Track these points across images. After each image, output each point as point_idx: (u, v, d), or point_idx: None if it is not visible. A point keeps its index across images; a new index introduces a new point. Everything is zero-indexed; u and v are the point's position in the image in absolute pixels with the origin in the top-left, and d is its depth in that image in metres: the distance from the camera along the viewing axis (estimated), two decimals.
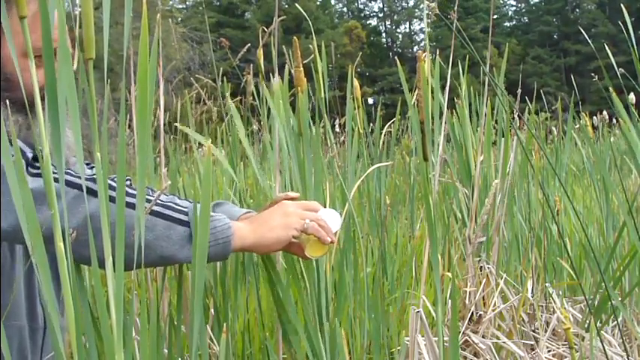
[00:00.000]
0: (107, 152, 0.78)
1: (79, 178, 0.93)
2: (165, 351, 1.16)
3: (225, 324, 1.23)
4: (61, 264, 0.69)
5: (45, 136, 0.66)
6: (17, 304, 1.12)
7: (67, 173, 0.94)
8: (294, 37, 1.34)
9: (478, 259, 1.82)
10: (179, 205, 0.96)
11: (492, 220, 1.82)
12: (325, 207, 1.12)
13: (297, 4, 2.13)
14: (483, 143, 1.90)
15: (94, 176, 0.91)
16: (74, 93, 0.68)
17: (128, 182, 1.33)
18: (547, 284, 1.92)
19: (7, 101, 0.90)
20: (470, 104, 2.01)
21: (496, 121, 2.18)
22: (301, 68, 1.28)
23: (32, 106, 1.01)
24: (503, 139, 1.95)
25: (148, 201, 0.92)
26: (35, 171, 0.92)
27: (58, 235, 0.69)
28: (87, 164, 1.31)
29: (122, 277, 0.74)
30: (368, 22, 42.43)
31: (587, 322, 1.68)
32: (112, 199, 0.78)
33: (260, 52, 1.98)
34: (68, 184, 0.93)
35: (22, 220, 0.67)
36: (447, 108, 1.69)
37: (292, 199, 1.15)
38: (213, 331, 1.47)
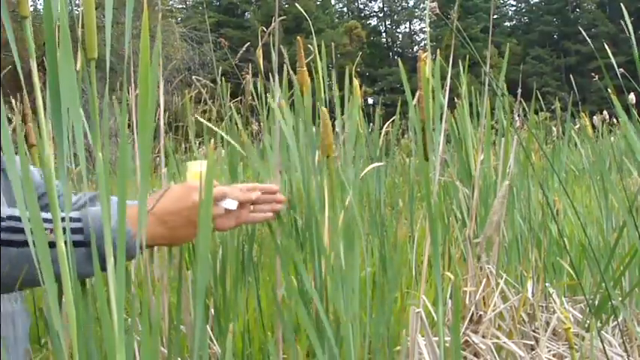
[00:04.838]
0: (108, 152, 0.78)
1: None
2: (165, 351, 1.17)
3: (232, 324, 1.23)
4: (62, 264, 0.69)
5: (46, 137, 0.66)
6: None
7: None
8: (298, 37, 1.34)
9: (478, 258, 1.82)
10: (73, 222, 0.95)
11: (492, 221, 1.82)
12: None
13: (297, 4, 2.13)
14: (483, 143, 1.90)
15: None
16: (76, 93, 0.68)
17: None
18: (547, 284, 1.92)
19: None
20: (470, 104, 2.01)
21: (496, 121, 2.18)
22: (305, 69, 1.28)
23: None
24: (503, 139, 1.95)
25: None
26: None
27: (59, 234, 0.69)
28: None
29: (123, 278, 0.74)
30: (368, 22, 42.42)
31: (587, 322, 1.68)
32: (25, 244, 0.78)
33: (259, 51, 1.98)
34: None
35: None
36: (447, 108, 1.69)
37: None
38: (213, 331, 1.47)
